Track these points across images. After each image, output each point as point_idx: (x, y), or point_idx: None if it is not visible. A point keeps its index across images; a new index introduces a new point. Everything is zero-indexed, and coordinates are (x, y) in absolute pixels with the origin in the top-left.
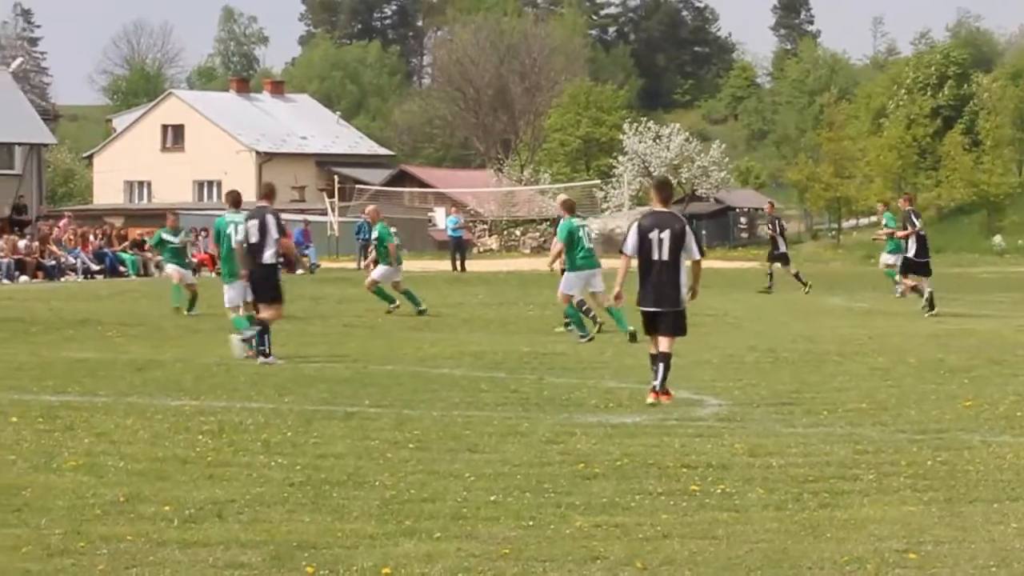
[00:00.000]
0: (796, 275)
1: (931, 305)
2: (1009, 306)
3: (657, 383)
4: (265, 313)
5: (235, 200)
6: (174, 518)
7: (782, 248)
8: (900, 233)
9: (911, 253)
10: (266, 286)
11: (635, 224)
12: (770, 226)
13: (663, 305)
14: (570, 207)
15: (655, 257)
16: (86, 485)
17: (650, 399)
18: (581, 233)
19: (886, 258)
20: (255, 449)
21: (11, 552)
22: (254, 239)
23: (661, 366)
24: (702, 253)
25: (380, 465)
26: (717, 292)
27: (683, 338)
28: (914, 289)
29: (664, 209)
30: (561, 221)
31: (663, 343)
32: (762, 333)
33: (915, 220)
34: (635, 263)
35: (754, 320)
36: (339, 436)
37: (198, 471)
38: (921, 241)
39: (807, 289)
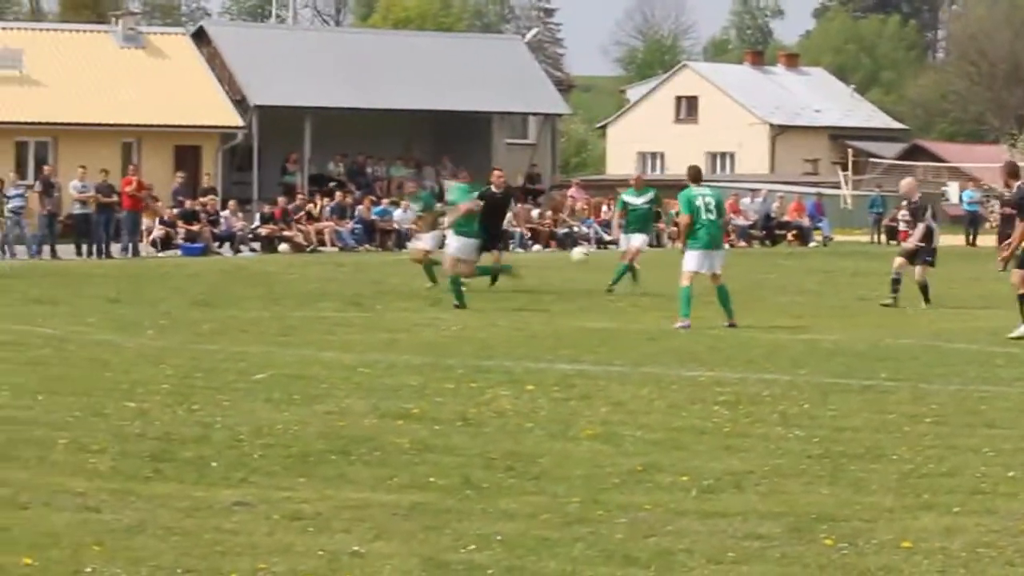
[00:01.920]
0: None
1: None
2: None
3: None
4: None
5: (696, 175)
6: (692, 488)
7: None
8: None
9: None
10: None
11: None
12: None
13: None
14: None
15: None
16: (603, 454)
17: None
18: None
19: None
20: (772, 421)
21: (529, 519)
22: None
23: None
24: None
25: (898, 439)
26: None
27: None
28: None
29: None
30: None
31: None
32: None
33: None
34: None
35: None
36: (856, 409)
37: (715, 442)
38: None
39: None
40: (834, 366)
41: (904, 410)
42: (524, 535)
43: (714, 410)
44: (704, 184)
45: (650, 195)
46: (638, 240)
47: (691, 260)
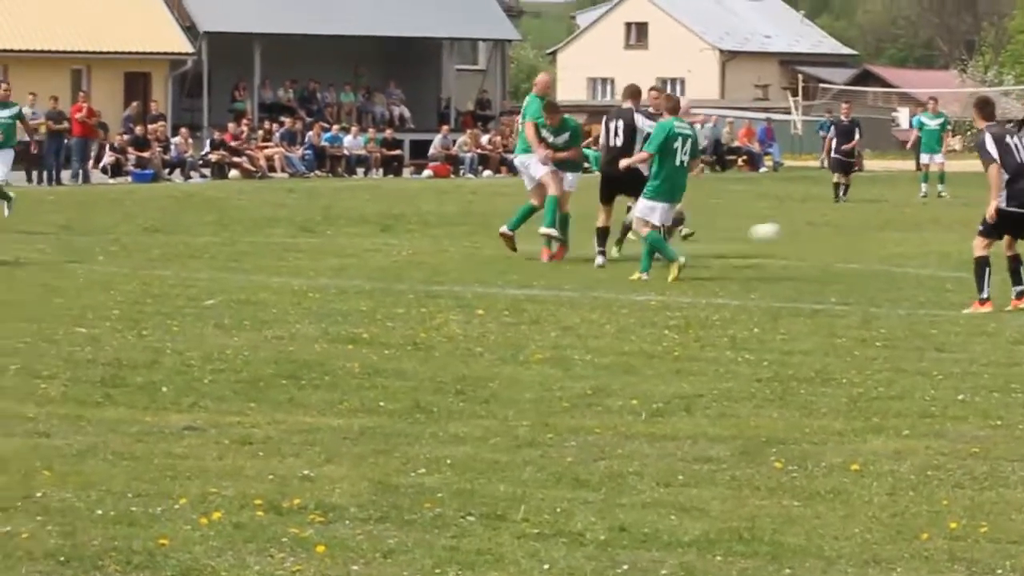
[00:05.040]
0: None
1: None
2: None
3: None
4: None
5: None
6: (642, 411)
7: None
8: None
9: None
10: None
11: (988, 135)
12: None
13: None
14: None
15: (1020, 160)
16: (553, 378)
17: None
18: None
19: None
20: (722, 345)
21: (480, 443)
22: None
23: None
24: None
25: (847, 363)
26: None
27: None
28: None
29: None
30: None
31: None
32: None
33: None
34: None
35: None
36: (806, 333)
37: (665, 366)
38: None
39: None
40: (784, 290)
41: (853, 334)
42: (474, 458)
43: (664, 334)
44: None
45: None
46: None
47: None
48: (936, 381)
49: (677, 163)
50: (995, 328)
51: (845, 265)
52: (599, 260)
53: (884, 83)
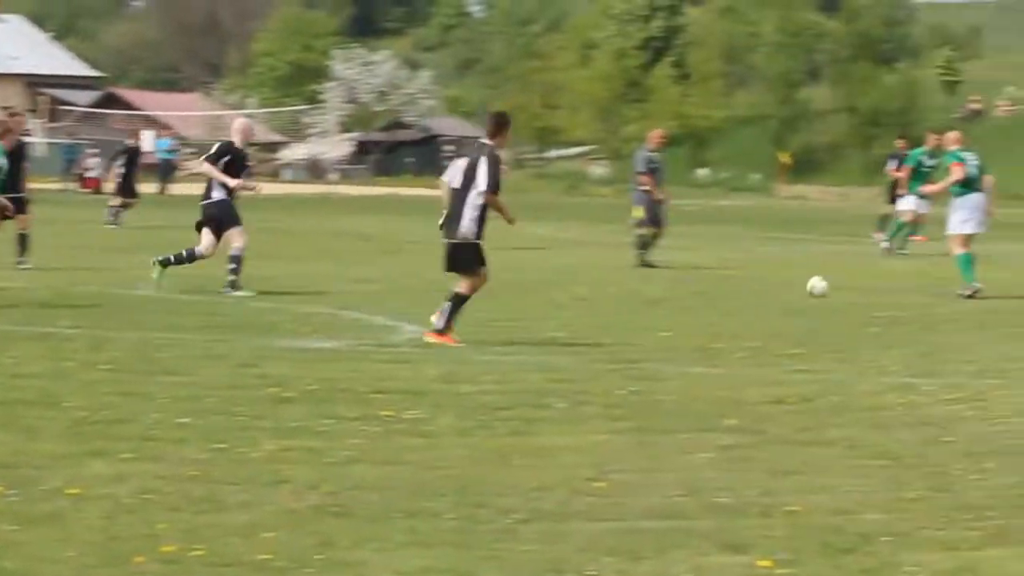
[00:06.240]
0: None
1: None
2: (710, 239)
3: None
4: None
5: None
6: None
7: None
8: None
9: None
10: None
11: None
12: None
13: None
14: None
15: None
16: None
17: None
18: None
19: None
20: None
21: None
22: None
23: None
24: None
25: (73, 386)
26: (418, 219)
27: (385, 264)
28: None
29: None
30: None
31: None
32: None
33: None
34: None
35: None
36: (35, 357)
37: None
38: None
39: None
40: (16, 314)
41: (82, 357)
42: None
43: None
44: None
45: None
46: None
47: None
48: (161, 404)
49: None
50: (225, 351)
51: (82, 288)
52: None
53: (129, 105)
